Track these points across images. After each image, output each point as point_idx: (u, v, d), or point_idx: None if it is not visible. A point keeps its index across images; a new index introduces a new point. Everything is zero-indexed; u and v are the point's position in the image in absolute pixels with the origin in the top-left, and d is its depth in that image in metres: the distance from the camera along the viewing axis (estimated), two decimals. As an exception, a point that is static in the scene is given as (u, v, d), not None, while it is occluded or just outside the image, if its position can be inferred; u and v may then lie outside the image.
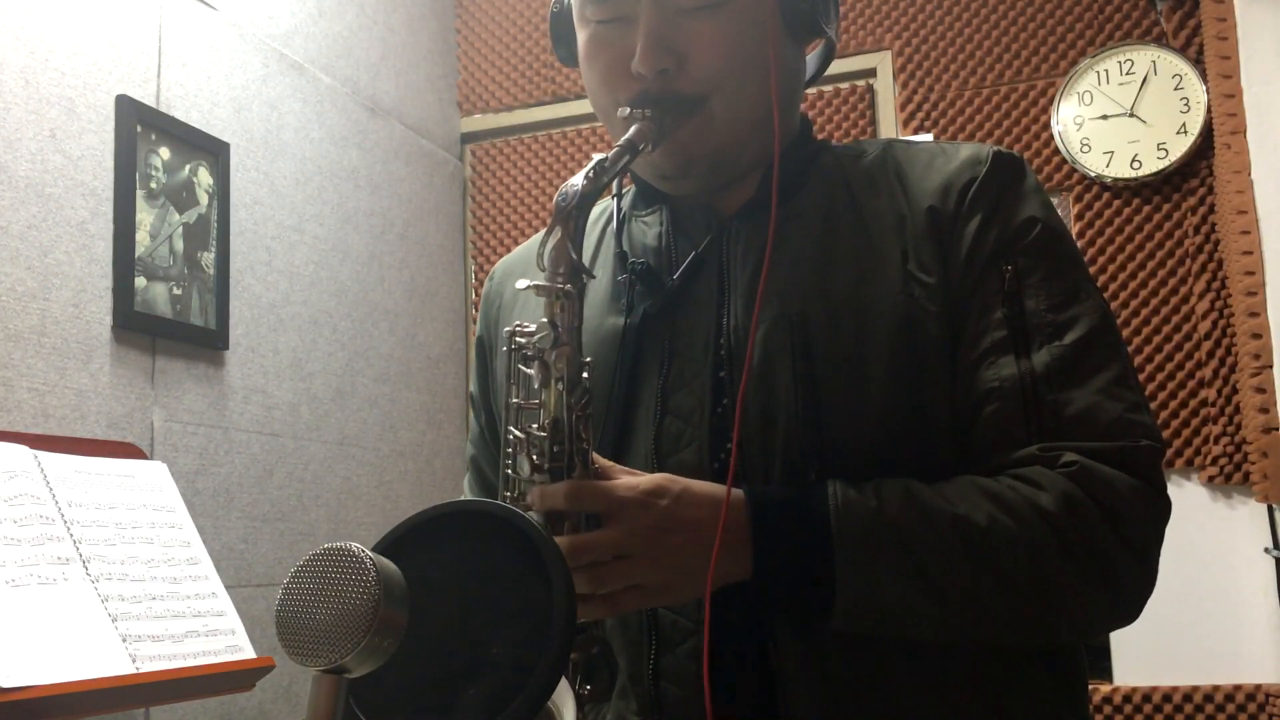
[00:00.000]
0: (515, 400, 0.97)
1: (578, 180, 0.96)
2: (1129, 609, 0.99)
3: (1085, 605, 0.96)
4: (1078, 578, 0.94)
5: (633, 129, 1.02)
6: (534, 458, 0.94)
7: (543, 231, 1.27)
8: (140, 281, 2.05)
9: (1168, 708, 2.47)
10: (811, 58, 1.17)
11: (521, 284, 0.96)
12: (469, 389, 1.29)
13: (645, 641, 1.02)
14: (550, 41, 1.24)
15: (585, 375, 0.94)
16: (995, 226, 1.04)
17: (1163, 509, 0.99)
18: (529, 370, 0.95)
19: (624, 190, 1.21)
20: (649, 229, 1.15)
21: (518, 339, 0.97)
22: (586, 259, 1.16)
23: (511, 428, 0.96)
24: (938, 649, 0.98)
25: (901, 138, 1.15)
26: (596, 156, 0.99)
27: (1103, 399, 0.98)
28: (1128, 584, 0.97)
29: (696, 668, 0.99)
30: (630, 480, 0.94)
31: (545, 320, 0.93)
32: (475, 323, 3.10)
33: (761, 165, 1.11)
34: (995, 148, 1.09)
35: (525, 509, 0.93)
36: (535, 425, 0.94)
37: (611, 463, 0.98)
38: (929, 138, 2.76)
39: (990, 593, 0.94)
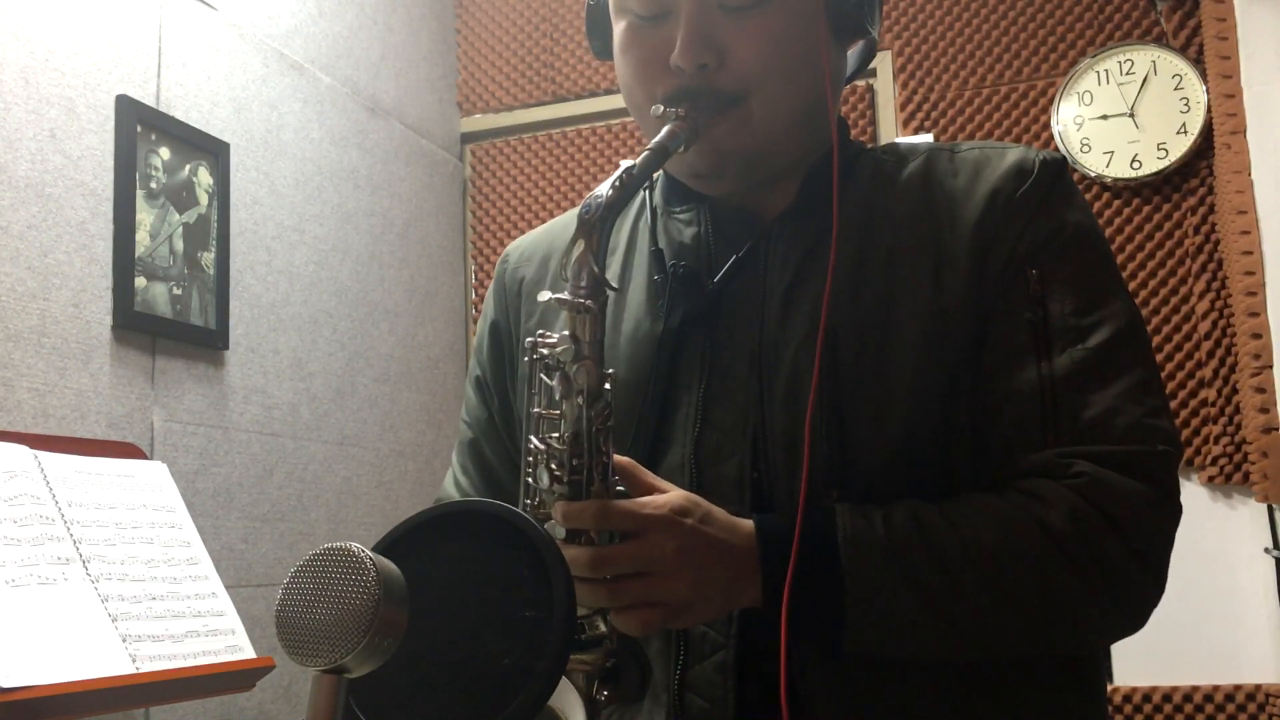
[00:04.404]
0: (536, 410, 0.96)
1: (604, 190, 0.94)
2: (1136, 617, 0.99)
3: (1093, 618, 0.97)
4: (1085, 592, 0.95)
5: (664, 130, 1.00)
6: (553, 468, 0.93)
7: (561, 215, 1.27)
8: (140, 281, 2.05)
9: (1168, 708, 2.47)
10: (850, 55, 1.15)
11: (544, 296, 0.94)
12: (476, 376, 1.24)
13: (674, 651, 1.02)
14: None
15: (608, 387, 0.93)
16: (1029, 231, 1.03)
17: (1172, 515, 0.99)
18: (550, 381, 0.94)
19: (653, 180, 1.18)
20: (685, 228, 1.13)
21: (540, 349, 0.95)
22: (618, 252, 1.15)
23: (532, 437, 0.95)
24: (960, 666, 0.98)
25: (945, 144, 1.13)
26: (625, 163, 0.96)
27: (1123, 403, 0.98)
28: (1135, 593, 0.97)
29: (723, 680, 1.00)
30: (658, 498, 0.93)
31: (567, 333, 0.93)
32: (475, 320, 3.09)
33: (799, 167, 1.10)
34: (1042, 154, 1.07)
35: (545, 519, 0.93)
36: (555, 436, 0.93)
37: (633, 462, 0.97)
38: (929, 138, 2.76)
39: (998, 612, 0.94)
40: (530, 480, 0.96)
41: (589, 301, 0.92)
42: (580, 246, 0.93)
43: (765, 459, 1.02)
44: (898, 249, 1.05)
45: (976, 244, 1.03)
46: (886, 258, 1.05)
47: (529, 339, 0.97)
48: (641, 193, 1.17)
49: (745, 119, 1.04)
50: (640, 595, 0.92)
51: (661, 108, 1.03)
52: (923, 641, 0.95)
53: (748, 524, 0.96)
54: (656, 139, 0.99)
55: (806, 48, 1.05)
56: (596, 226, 0.93)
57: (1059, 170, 1.07)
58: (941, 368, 1.00)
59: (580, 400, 0.92)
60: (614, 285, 0.96)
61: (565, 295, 0.92)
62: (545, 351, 0.95)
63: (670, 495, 0.94)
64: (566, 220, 1.24)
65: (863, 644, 0.94)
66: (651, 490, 0.95)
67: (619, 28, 1.09)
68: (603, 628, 0.94)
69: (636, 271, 1.13)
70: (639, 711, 1.03)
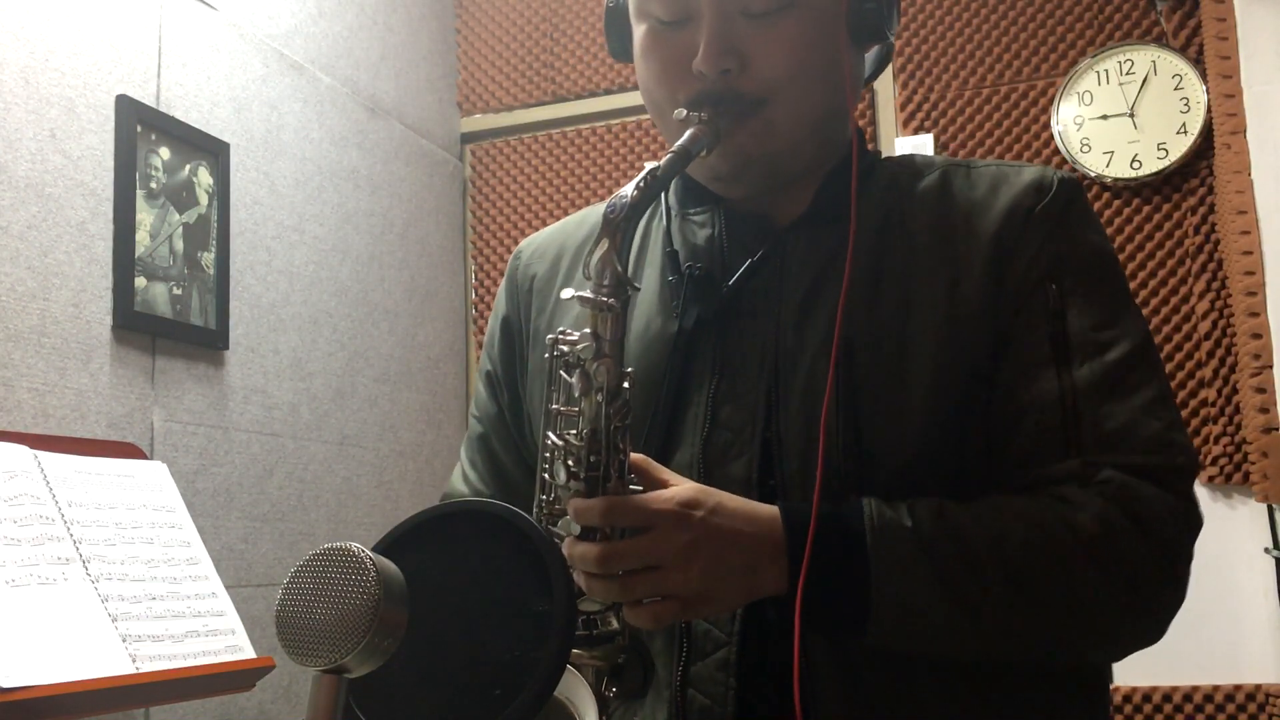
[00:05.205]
0: (555, 406, 0.97)
1: (628, 190, 0.95)
2: (1157, 625, 1.00)
3: (1116, 623, 0.97)
4: (1109, 594, 0.95)
5: (687, 134, 1.01)
6: (570, 465, 0.93)
7: (574, 214, 1.28)
8: (140, 281, 2.05)
9: (1168, 708, 2.47)
10: (866, 59, 1.16)
11: (567, 294, 0.95)
12: (487, 371, 1.25)
13: (676, 649, 1.03)
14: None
15: (626, 386, 0.94)
16: (1048, 249, 1.04)
17: (1195, 526, 1.00)
18: (570, 378, 0.95)
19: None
20: (699, 229, 1.14)
21: (560, 346, 0.96)
22: (633, 251, 1.16)
23: (550, 433, 0.96)
24: (966, 666, 0.98)
25: (960, 159, 1.14)
26: (649, 165, 0.97)
27: (1143, 416, 0.99)
28: (1157, 599, 0.98)
29: (725, 678, 1.00)
30: (666, 492, 0.94)
31: (589, 331, 0.93)
32: (475, 320, 3.09)
33: (816, 172, 1.11)
34: (1059, 173, 1.09)
35: (561, 515, 0.94)
36: (573, 433, 0.94)
37: (647, 458, 0.97)
38: (929, 139, 2.76)
39: (1023, 611, 0.95)
40: (547, 476, 0.96)
41: (612, 300, 0.92)
42: (604, 246, 0.93)
43: (780, 467, 1.02)
44: (914, 260, 1.06)
45: (994, 256, 1.04)
46: (903, 268, 1.05)
47: (550, 336, 0.97)
48: (659, 195, 1.18)
49: (767, 123, 1.05)
50: (651, 589, 0.92)
51: (684, 111, 1.04)
52: (945, 636, 0.95)
53: (770, 510, 0.96)
54: (679, 142, 1.00)
55: (827, 53, 1.06)
56: (620, 226, 0.94)
57: (1076, 189, 1.08)
58: (957, 377, 1.01)
59: (599, 397, 0.92)
60: (636, 284, 0.96)
61: (588, 293, 0.93)
62: (565, 349, 0.95)
63: (679, 489, 0.94)
64: (579, 218, 1.25)
65: (885, 635, 0.94)
66: (664, 486, 0.95)
67: (640, 31, 1.10)
68: (615, 624, 0.94)
69: (649, 271, 1.14)
70: (641, 708, 1.03)
